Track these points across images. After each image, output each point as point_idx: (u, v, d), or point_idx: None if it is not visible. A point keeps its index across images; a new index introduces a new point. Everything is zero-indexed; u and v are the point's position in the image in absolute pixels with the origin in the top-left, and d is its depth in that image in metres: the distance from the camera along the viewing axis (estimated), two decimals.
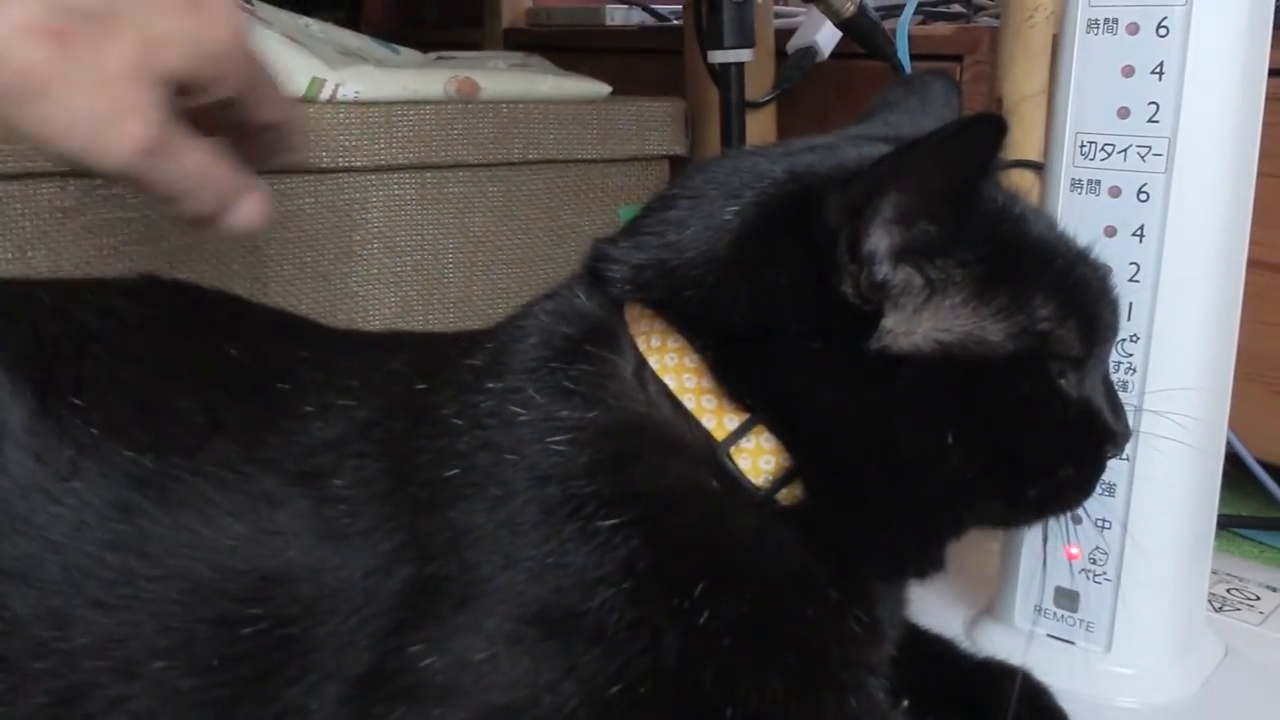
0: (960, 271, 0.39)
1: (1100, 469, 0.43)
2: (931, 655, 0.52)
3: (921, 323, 0.39)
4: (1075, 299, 0.41)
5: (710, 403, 0.40)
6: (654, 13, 1.36)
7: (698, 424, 0.40)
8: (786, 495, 0.41)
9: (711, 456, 0.40)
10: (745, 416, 0.40)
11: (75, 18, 0.38)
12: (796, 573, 0.40)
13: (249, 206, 0.46)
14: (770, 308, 0.39)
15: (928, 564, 0.43)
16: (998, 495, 0.41)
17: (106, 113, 0.39)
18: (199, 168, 0.43)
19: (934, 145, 0.36)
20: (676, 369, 0.41)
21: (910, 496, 0.40)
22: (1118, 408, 0.43)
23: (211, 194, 0.44)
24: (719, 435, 0.40)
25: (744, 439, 0.40)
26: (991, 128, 0.37)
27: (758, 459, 0.40)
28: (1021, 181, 0.83)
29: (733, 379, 0.40)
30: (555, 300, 0.44)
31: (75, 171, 0.72)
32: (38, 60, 0.38)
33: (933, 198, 0.37)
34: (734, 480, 0.40)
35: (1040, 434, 0.41)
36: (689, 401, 0.40)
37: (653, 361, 0.41)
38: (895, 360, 0.39)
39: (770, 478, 0.40)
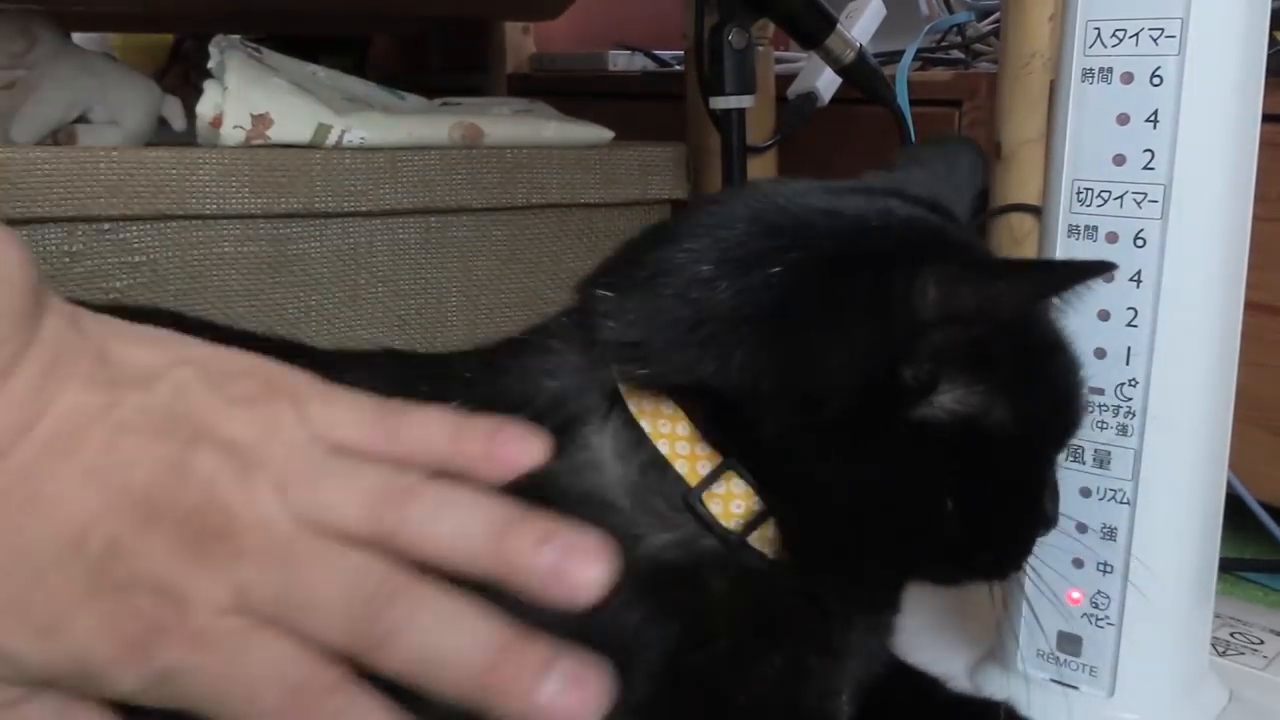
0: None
1: (1032, 547, 0.45)
2: (915, 691, 0.52)
3: (953, 395, 0.39)
4: (1067, 394, 0.43)
5: (684, 448, 0.41)
6: (656, 59, 1.37)
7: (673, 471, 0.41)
8: (757, 538, 0.41)
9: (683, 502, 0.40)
10: (718, 461, 0.41)
11: None
12: (765, 615, 0.41)
13: None
14: (805, 374, 0.38)
15: (888, 607, 0.45)
16: (956, 557, 0.42)
17: None
18: None
19: (1042, 284, 0.38)
20: (670, 436, 0.41)
21: (889, 549, 0.41)
22: (1056, 496, 0.45)
23: None
24: (691, 480, 0.41)
25: (715, 484, 0.41)
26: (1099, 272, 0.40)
27: (729, 503, 0.41)
28: (1020, 226, 0.84)
29: (712, 427, 0.41)
30: (540, 356, 0.43)
31: (82, 216, 0.73)
32: None
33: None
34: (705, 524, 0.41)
35: (1016, 509, 0.42)
36: (663, 446, 0.41)
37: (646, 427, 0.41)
38: (917, 426, 0.39)
39: (740, 521, 0.41)
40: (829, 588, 0.42)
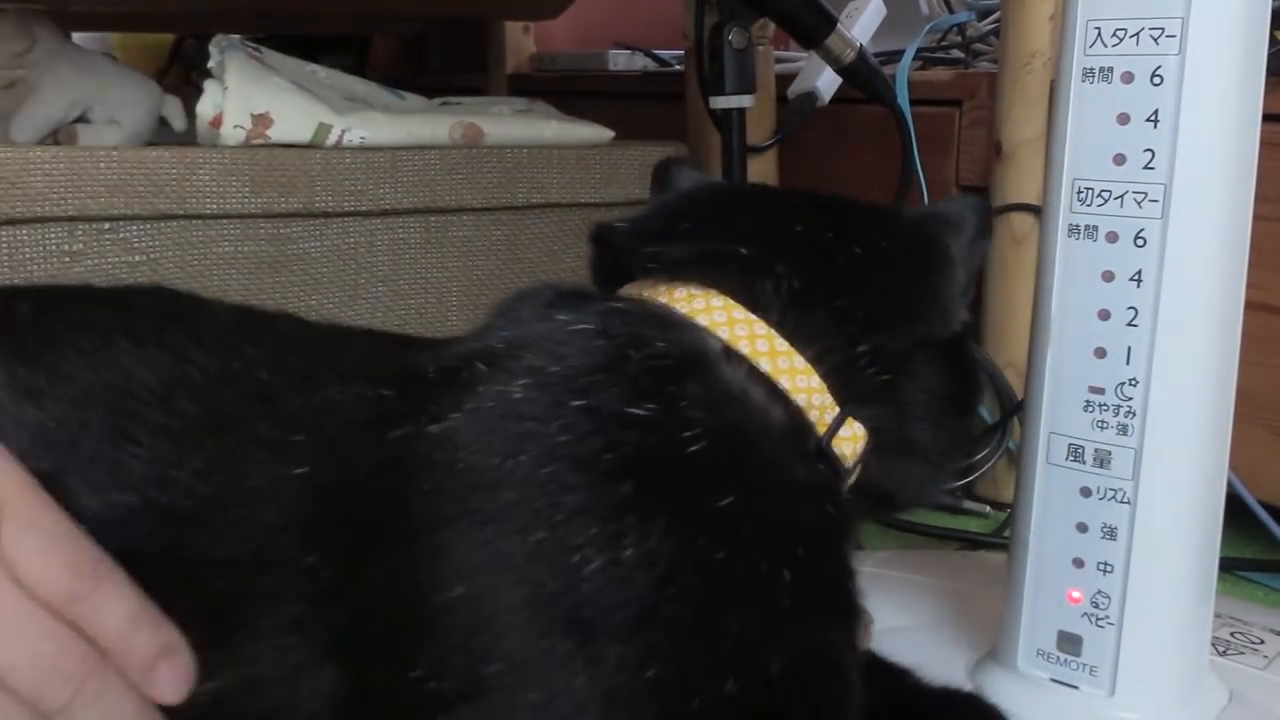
0: None
1: None
2: (884, 683, 0.52)
3: None
4: None
5: (818, 400, 0.43)
6: (656, 59, 1.37)
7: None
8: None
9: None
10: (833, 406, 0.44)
11: None
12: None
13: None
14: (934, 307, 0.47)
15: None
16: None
17: None
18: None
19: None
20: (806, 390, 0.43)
21: (942, 434, 0.48)
22: None
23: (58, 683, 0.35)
24: (820, 427, 0.43)
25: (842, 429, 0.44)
26: None
27: (855, 445, 0.44)
28: (1020, 225, 0.84)
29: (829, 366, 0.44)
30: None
31: (83, 216, 0.73)
32: None
33: None
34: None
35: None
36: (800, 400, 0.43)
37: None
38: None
39: (854, 459, 0.44)
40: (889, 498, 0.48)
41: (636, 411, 0.38)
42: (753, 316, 0.43)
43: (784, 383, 0.42)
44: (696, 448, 0.38)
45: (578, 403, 0.38)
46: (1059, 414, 0.52)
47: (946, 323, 0.48)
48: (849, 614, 0.42)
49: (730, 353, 0.42)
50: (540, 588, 0.36)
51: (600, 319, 0.41)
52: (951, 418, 0.48)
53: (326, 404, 0.42)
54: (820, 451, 0.43)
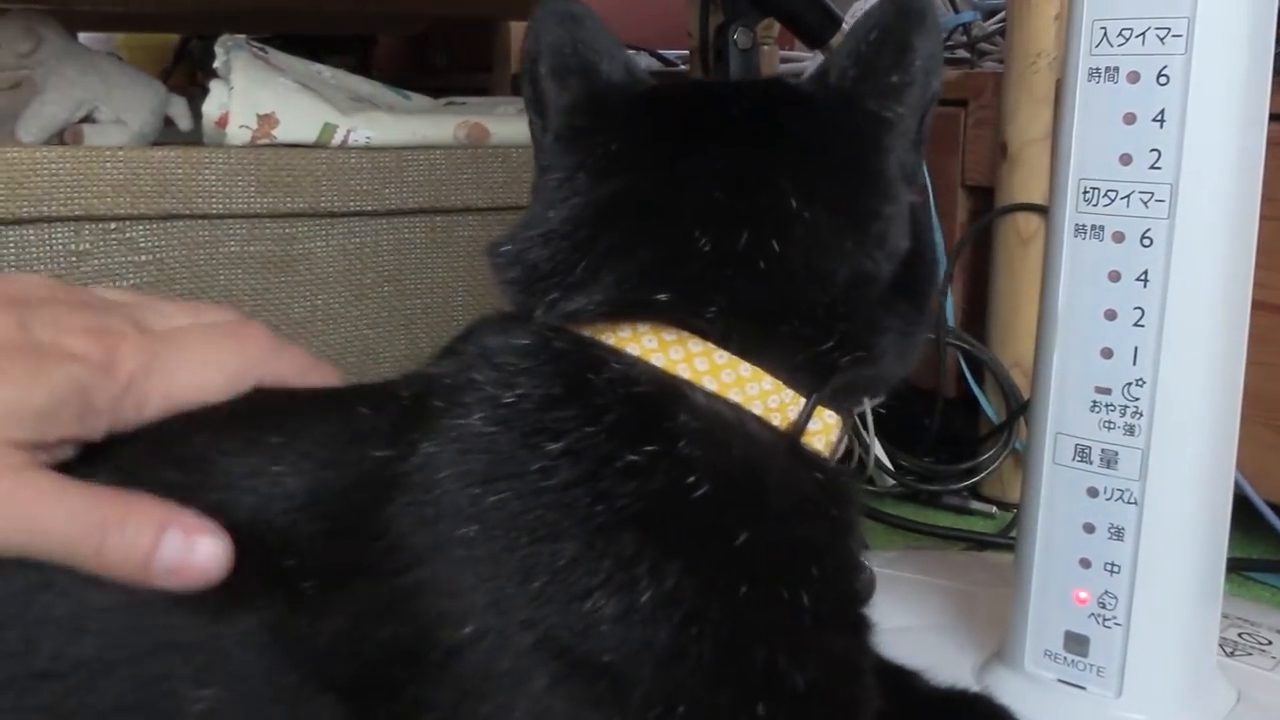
0: None
1: None
2: (895, 687, 0.52)
3: None
4: None
5: (774, 402, 0.41)
6: (661, 58, 1.37)
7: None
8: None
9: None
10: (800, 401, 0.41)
11: None
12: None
13: (173, 545, 0.37)
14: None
15: None
16: None
17: None
18: (79, 514, 0.37)
19: None
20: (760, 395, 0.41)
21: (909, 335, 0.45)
22: None
23: (101, 541, 0.37)
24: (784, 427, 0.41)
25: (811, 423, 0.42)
26: None
27: (828, 435, 0.42)
28: (1026, 226, 0.84)
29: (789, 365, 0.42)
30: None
31: (89, 215, 0.73)
32: None
33: None
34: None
35: None
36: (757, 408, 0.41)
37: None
38: None
39: (831, 445, 0.43)
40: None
41: (632, 458, 0.38)
42: (684, 334, 0.40)
43: (734, 396, 0.40)
44: (700, 493, 0.38)
45: (554, 445, 0.38)
46: (1066, 414, 0.52)
47: (887, 246, 0.43)
48: (861, 621, 0.42)
49: (675, 381, 0.40)
50: (553, 631, 0.36)
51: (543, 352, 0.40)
52: (916, 311, 0.44)
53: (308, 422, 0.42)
54: (798, 453, 0.42)
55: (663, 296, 0.40)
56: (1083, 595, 0.52)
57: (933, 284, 0.47)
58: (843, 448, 0.45)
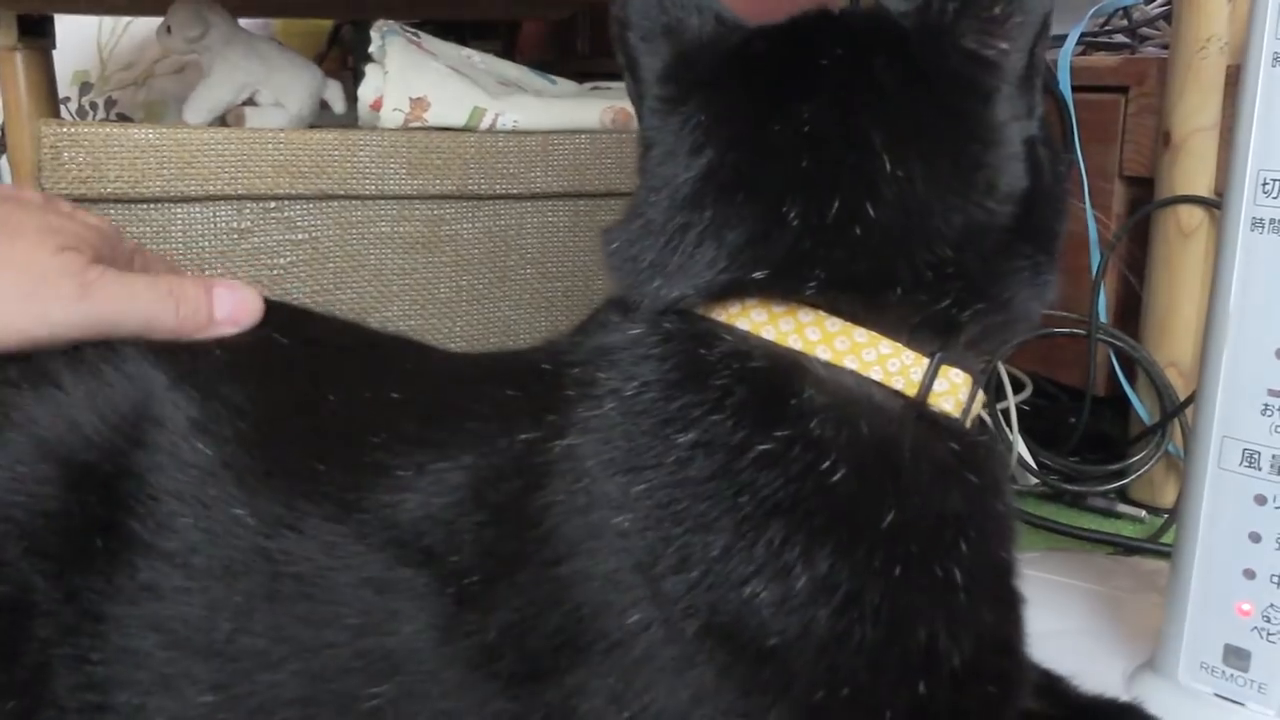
0: None
1: None
2: (1043, 691, 0.50)
3: None
4: None
5: (895, 365, 0.40)
6: None
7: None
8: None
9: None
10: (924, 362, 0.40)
11: None
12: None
13: (224, 297, 0.48)
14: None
15: None
16: None
17: (27, 286, 0.44)
18: (148, 287, 0.46)
19: None
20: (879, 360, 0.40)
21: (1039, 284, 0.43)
22: None
23: (176, 304, 0.46)
24: (910, 391, 0.40)
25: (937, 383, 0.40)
26: None
27: (956, 395, 0.41)
28: (1189, 219, 0.80)
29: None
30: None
31: (250, 195, 0.76)
32: None
33: None
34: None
35: None
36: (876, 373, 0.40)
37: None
38: None
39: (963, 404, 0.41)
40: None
41: (764, 447, 0.37)
42: (793, 305, 0.40)
43: (850, 364, 0.39)
44: (838, 477, 0.38)
45: (684, 437, 0.38)
46: (1233, 417, 0.49)
47: (998, 192, 0.40)
48: (1012, 595, 0.42)
49: (790, 353, 0.39)
50: (716, 619, 0.36)
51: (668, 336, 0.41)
52: (1042, 251, 0.42)
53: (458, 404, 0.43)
54: (927, 418, 0.40)
55: (759, 275, 0.39)
56: (1245, 607, 0.50)
57: (1059, 219, 0.44)
58: (977, 406, 0.43)
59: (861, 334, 0.40)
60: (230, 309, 0.48)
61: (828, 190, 0.39)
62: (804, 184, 0.39)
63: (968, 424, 0.42)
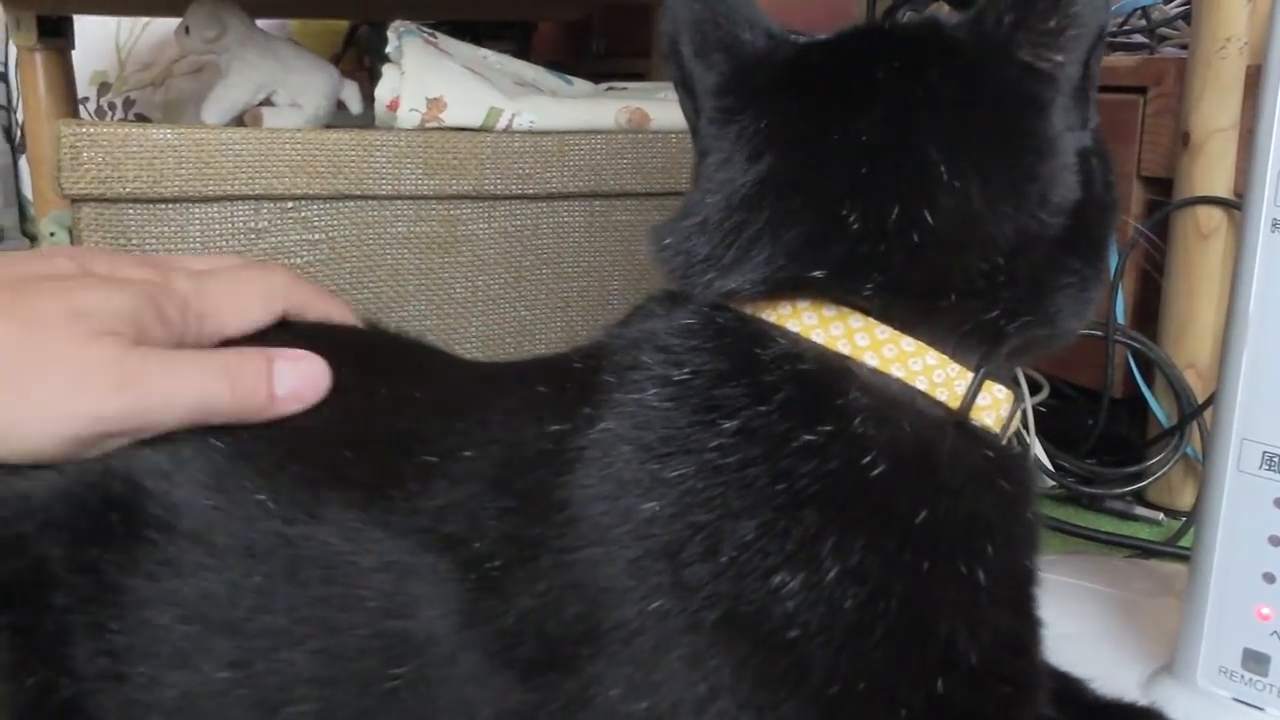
0: None
1: None
2: (1061, 694, 0.50)
3: None
4: None
5: (940, 376, 0.40)
6: None
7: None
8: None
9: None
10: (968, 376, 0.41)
11: None
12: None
13: (286, 372, 0.43)
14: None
15: None
16: None
17: (56, 392, 0.40)
18: (196, 367, 0.42)
19: None
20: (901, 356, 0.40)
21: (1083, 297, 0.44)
22: None
23: (231, 384, 0.42)
24: (953, 404, 0.40)
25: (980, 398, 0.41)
26: None
27: (998, 410, 0.41)
28: (1208, 220, 0.80)
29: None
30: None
31: (268, 195, 0.76)
32: None
33: None
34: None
35: None
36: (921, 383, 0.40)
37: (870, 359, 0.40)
38: None
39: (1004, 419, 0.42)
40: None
41: (809, 438, 0.38)
42: (844, 310, 0.40)
43: (896, 372, 0.40)
44: (878, 472, 0.38)
45: (728, 424, 0.38)
46: (1254, 420, 0.49)
47: (1050, 204, 0.40)
48: (1032, 602, 0.42)
49: (839, 357, 0.40)
50: (738, 608, 0.36)
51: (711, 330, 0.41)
52: (1089, 265, 0.42)
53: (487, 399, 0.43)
54: (967, 429, 0.41)
55: (818, 274, 0.40)
56: (1265, 611, 0.49)
57: (1108, 231, 0.44)
58: (1015, 423, 0.43)
59: (909, 343, 0.40)
60: (293, 384, 0.43)
61: (887, 197, 0.39)
62: (864, 189, 0.40)
63: (1005, 439, 0.42)
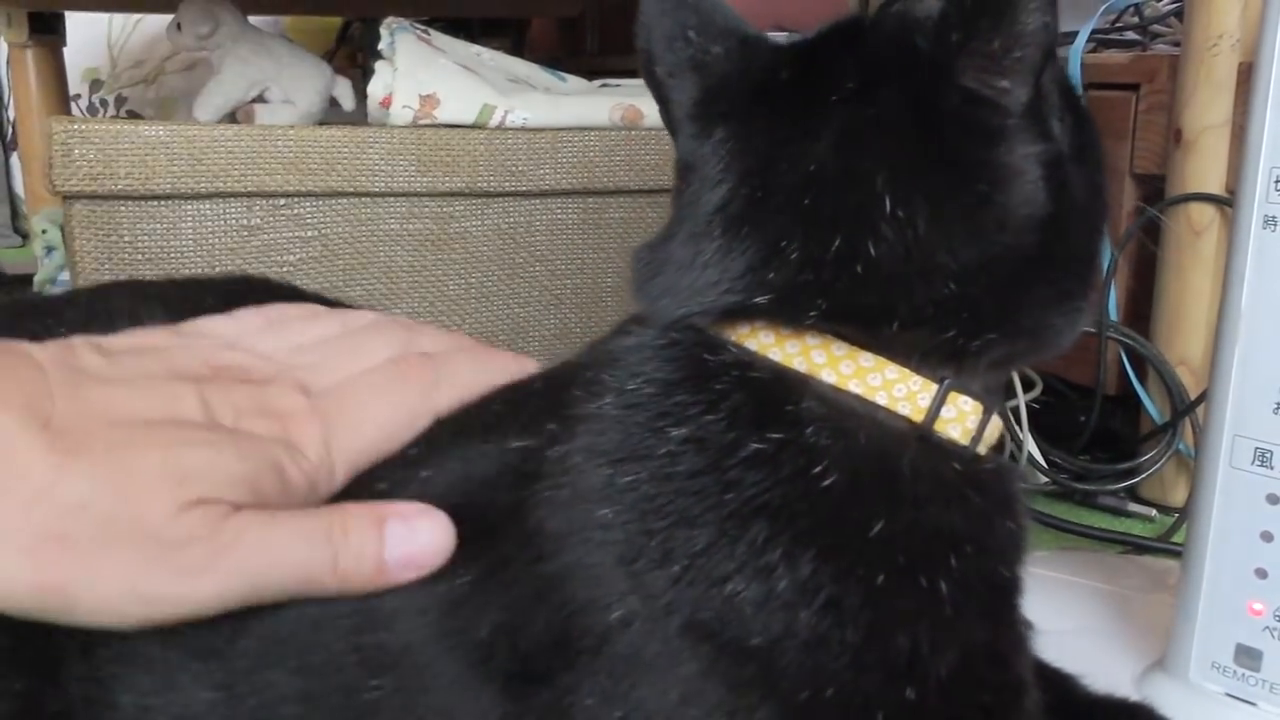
0: None
1: None
2: (1053, 690, 0.50)
3: None
4: None
5: (901, 391, 0.40)
6: None
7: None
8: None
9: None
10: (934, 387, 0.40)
11: (76, 516, 0.34)
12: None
13: (399, 537, 0.38)
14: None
15: None
16: None
17: (141, 569, 0.34)
18: (294, 538, 0.37)
19: None
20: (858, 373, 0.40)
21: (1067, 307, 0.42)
22: None
23: (335, 555, 0.37)
24: (917, 418, 0.40)
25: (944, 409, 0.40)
26: None
27: (963, 422, 0.40)
28: (1200, 217, 0.80)
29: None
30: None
31: (260, 192, 0.76)
32: (45, 575, 0.34)
33: None
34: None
35: None
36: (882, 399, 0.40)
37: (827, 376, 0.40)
38: None
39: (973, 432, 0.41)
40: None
41: (756, 446, 0.37)
42: (800, 330, 0.40)
43: (855, 388, 0.39)
44: (829, 482, 0.37)
45: (677, 431, 0.38)
46: (1245, 416, 0.49)
47: (1009, 226, 0.39)
48: (1006, 611, 0.41)
49: (794, 371, 0.39)
50: (698, 615, 0.36)
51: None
52: (1071, 275, 0.41)
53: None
54: (931, 442, 0.40)
55: (762, 300, 0.39)
56: (1257, 607, 0.50)
57: (1094, 235, 0.43)
58: (994, 434, 0.42)
59: (868, 358, 0.40)
60: (405, 551, 0.38)
61: (829, 228, 0.39)
62: (806, 221, 0.40)
63: (980, 450, 0.41)
